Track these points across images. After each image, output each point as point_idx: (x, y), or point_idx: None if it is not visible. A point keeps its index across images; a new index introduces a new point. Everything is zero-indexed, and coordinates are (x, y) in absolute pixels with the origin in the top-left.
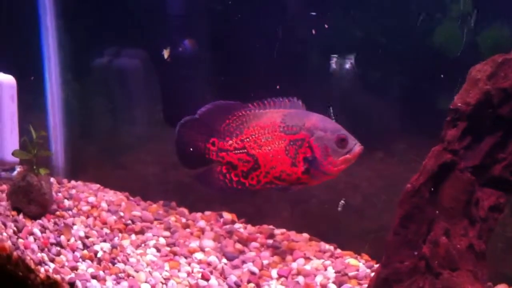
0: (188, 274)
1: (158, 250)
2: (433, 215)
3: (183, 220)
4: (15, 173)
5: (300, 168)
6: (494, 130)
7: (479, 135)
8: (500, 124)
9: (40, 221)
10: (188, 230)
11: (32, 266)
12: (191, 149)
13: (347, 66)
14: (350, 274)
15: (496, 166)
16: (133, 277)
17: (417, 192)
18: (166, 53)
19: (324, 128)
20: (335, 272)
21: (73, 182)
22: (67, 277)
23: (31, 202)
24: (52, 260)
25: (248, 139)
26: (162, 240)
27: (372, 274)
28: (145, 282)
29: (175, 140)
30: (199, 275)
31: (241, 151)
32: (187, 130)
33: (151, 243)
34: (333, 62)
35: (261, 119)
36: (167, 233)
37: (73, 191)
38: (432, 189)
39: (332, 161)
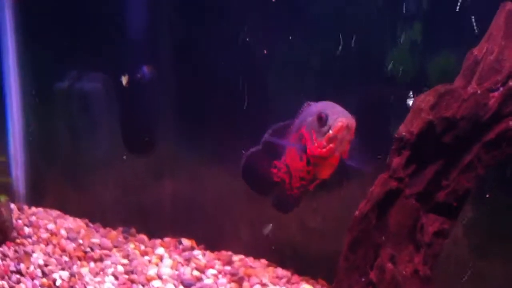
0: None
1: (116, 278)
2: (381, 241)
3: (142, 247)
4: None
5: (304, 161)
6: (437, 157)
7: (423, 162)
8: (443, 152)
9: (0, 248)
10: (146, 257)
11: None
12: (260, 177)
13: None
14: None
15: (440, 192)
16: None
17: (365, 218)
18: (124, 80)
19: (314, 113)
20: None
21: (33, 209)
22: None
23: None
24: None
25: (285, 151)
26: (120, 268)
27: None
28: None
29: (241, 171)
30: None
31: (283, 163)
32: (253, 160)
33: (110, 270)
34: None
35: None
36: (125, 261)
37: (33, 218)
38: (379, 215)
39: (319, 143)
